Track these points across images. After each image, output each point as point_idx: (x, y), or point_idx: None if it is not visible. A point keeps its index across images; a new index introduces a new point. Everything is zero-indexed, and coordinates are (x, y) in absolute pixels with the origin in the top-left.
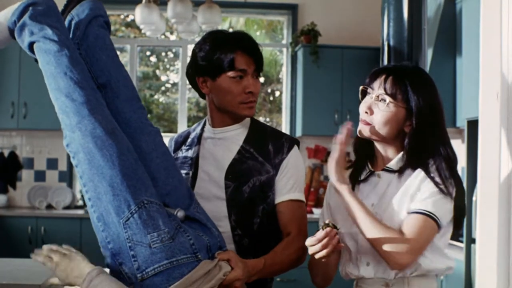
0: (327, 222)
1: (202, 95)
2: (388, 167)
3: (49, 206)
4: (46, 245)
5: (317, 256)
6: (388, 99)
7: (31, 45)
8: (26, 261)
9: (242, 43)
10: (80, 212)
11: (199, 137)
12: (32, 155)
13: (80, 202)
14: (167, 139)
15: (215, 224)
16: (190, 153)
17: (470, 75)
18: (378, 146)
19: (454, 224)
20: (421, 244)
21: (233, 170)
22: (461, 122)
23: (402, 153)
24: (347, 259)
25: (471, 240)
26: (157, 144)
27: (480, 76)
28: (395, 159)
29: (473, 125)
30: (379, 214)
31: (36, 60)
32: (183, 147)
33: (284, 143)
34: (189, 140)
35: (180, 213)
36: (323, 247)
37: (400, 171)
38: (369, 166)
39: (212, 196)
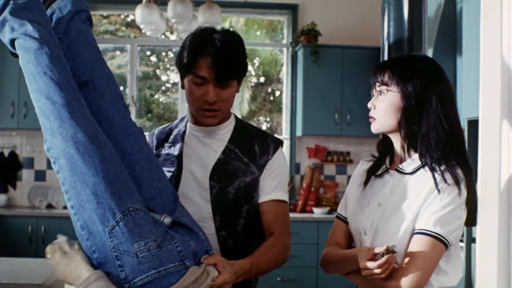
0: (386, 248)
1: None
2: (400, 168)
3: (49, 206)
4: (60, 237)
5: (372, 277)
6: (382, 88)
7: (12, 42)
8: (26, 260)
9: (209, 48)
10: None
11: (183, 134)
12: (32, 155)
13: None
14: None
15: (200, 226)
16: (173, 150)
17: (470, 75)
18: (395, 144)
19: (467, 218)
20: (426, 272)
21: (218, 171)
22: (461, 122)
23: (414, 155)
24: None
25: (471, 240)
26: (141, 146)
27: (480, 76)
28: (408, 161)
29: (473, 125)
30: (385, 215)
31: (16, 55)
32: (166, 144)
33: (270, 144)
34: (171, 137)
35: (167, 219)
36: (382, 272)
37: (411, 174)
38: (387, 162)
39: (196, 197)
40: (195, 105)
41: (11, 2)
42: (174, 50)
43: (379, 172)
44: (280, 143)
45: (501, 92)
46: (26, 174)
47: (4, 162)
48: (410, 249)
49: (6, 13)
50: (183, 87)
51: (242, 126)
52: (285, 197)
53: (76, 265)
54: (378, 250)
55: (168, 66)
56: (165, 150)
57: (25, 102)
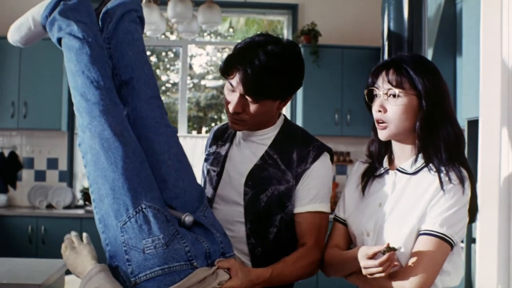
0: (387, 246)
1: None
2: (402, 168)
3: (49, 206)
4: (72, 233)
5: (373, 276)
6: (397, 91)
7: (59, 41)
8: (26, 260)
9: (247, 61)
10: (80, 211)
11: (233, 135)
12: (32, 155)
13: (80, 202)
14: None
15: (224, 229)
16: (222, 150)
17: (470, 75)
18: (398, 146)
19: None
20: (433, 273)
21: (253, 177)
22: (461, 122)
23: (416, 155)
24: None
25: (471, 240)
26: (171, 145)
27: (480, 76)
28: (410, 160)
29: (473, 125)
30: (388, 215)
31: None
32: (219, 142)
33: (311, 151)
34: (225, 135)
35: (189, 218)
36: (384, 270)
37: (414, 174)
38: (386, 162)
39: (231, 200)
40: (225, 108)
41: (62, 3)
42: (174, 50)
43: (378, 173)
44: (323, 150)
45: (501, 92)
46: (26, 174)
47: (4, 162)
48: (416, 250)
49: (56, 13)
50: None
51: (287, 131)
52: (323, 208)
53: (83, 259)
54: (378, 248)
55: (168, 66)
56: (217, 148)
57: (25, 102)
